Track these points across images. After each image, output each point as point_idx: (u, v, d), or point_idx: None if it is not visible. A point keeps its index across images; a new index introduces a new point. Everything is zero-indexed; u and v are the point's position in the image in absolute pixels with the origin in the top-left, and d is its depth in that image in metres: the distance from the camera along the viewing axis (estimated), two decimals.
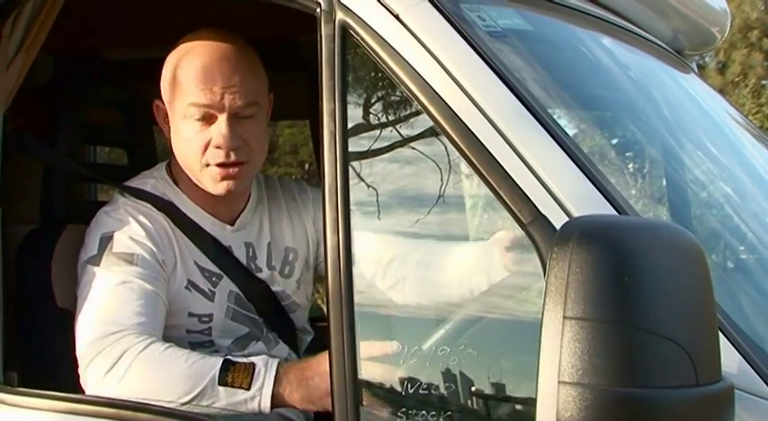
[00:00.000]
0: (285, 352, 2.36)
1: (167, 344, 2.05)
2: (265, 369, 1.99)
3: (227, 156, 2.16)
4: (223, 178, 2.19)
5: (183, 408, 1.99)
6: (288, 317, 2.40)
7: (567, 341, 1.30)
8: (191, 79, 2.16)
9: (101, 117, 2.89)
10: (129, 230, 2.18)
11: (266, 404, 1.97)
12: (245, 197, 2.38)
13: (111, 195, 2.39)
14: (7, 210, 2.24)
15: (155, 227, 2.21)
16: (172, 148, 2.28)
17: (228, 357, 2.04)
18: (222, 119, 2.15)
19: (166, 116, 2.27)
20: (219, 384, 1.97)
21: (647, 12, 2.54)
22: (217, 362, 2.01)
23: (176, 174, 2.32)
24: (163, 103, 2.27)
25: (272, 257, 2.40)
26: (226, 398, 1.97)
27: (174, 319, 2.20)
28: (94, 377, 2.02)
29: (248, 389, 1.97)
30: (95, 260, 2.16)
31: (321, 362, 1.94)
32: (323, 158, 1.73)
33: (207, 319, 2.25)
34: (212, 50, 2.18)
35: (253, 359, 2.03)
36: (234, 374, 1.98)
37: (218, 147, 2.16)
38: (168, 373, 2.00)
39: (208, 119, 2.16)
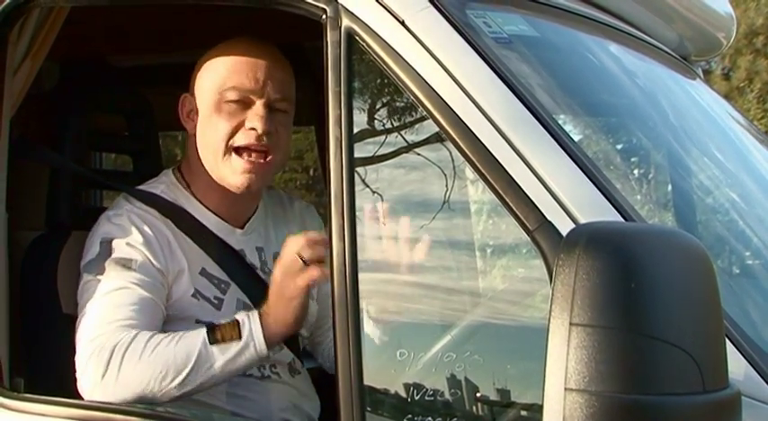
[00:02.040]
0: (289, 357, 2.36)
1: (152, 333, 2.07)
2: (248, 317, 2.05)
3: (259, 138, 2.22)
4: (246, 170, 2.23)
5: (187, 387, 2.00)
6: None
7: (573, 348, 1.30)
8: (236, 65, 2.25)
9: (106, 123, 2.89)
10: (128, 236, 2.19)
11: (262, 347, 2.02)
12: (254, 202, 2.40)
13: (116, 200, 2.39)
14: (13, 217, 2.24)
15: (156, 235, 2.21)
16: (192, 145, 2.30)
17: (210, 322, 2.09)
18: (260, 103, 2.23)
19: (191, 111, 2.30)
20: (211, 344, 2.01)
21: (652, 17, 2.54)
22: (201, 328, 2.05)
23: (188, 177, 2.34)
24: (192, 95, 2.31)
25: None
26: (221, 355, 2.01)
27: (182, 326, 2.20)
28: (91, 379, 2.03)
29: (240, 338, 2.02)
30: (94, 265, 2.17)
31: (276, 274, 2.06)
32: (328, 164, 1.73)
33: None
34: (257, 45, 2.28)
35: (235, 316, 2.08)
36: (222, 331, 2.03)
37: (252, 129, 2.22)
38: (161, 355, 2.02)
39: (245, 104, 2.23)
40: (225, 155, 2.23)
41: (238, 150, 2.23)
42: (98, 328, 2.07)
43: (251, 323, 2.03)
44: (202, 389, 2.04)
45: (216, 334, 2.03)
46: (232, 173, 2.23)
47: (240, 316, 2.06)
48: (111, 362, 2.01)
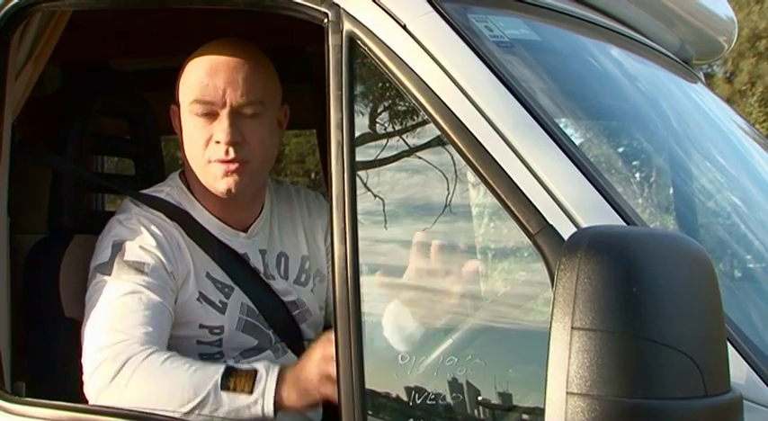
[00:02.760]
0: (293, 361, 2.36)
1: (170, 353, 2.06)
2: (267, 373, 2.00)
3: (227, 152, 2.19)
4: (225, 175, 2.21)
5: (189, 418, 1.99)
6: (297, 327, 2.40)
7: (575, 352, 1.30)
8: (197, 76, 2.21)
9: (109, 127, 2.90)
10: (140, 239, 2.19)
11: (269, 408, 1.98)
12: (258, 205, 2.39)
13: (120, 203, 2.39)
14: (16, 220, 2.24)
15: (166, 237, 2.22)
16: (184, 153, 2.30)
17: (230, 364, 2.05)
18: (224, 114, 2.19)
19: (179, 121, 2.30)
20: (222, 389, 1.98)
21: (654, 21, 2.54)
22: (219, 368, 2.02)
23: (190, 181, 2.33)
24: (178, 106, 2.30)
25: (286, 266, 2.40)
26: (228, 403, 1.98)
27: (185, 330, 2.21)
28: (98, 385, 2.02)
29: (251, 393, 1.98)
30: (105, 267, 2.16)
31: (311, 355, 1.99)
32: (330, 168, 1.73)
33: (218, 331, 2.25)
34: (222, 51, 2.23)
35: (255, 364, 2.04)
36: (236, 379, 2.00)
37: (218, 143, 2.20)
38: (171, 381, 2.01)
39: (211, 115, 2.20)
40: (204, 164, 2.23)
41: (213, 161, 2.22)
42: (112, 334, 2.06)
43: (266, 383, 1.99)
44: None
45: (229, 381, 1.99)
46: (214, 180, 2.23)
47: (261, 368, 2.02)
48: (121, 373, 2.00)
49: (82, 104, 2.73)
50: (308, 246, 2.45)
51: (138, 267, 2.15)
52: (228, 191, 2.22)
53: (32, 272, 2.40)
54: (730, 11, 2.92)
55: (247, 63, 2.22)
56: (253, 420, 2.00)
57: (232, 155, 2.19)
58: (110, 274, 2.15)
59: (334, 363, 1.83)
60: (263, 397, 1.98)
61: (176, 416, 1.98)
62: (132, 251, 2.17)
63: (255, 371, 2.01)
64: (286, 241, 2.42)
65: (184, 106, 2.25)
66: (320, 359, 1.97)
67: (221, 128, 2.18)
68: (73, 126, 2.66)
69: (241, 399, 1.98)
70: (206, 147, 2.21)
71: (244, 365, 2.05)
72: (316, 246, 2.47)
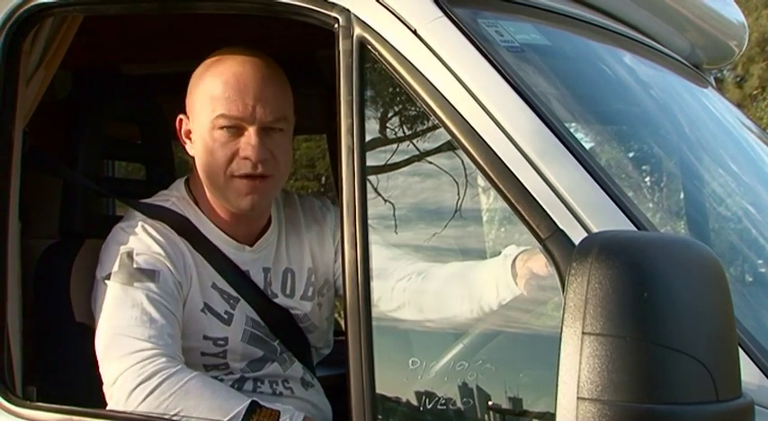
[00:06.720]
0: (300, 371, 2.35)
1: (196, 373, 2.05)
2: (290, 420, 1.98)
3: (255, 167, 2.16)
4: (248, 192, 2.18)
5: None
6: (305, 337, 2.38)
7: (586, 357, 1.29)
8: (223, 90, 2.16)
9: (120, 132, 2.90)
10: (148, 248, 2.17)
11: None
12: (265, 218, 2.35)
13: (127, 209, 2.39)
14: (27, 225, 2.25)
15: (171, 247, 2.19)
16: (195, 165, 2.28)
17: (256, 400, 2.02)
18: (252, 130, 2.15)
19: (189, 131, 2.26)
20: None
21: (664, 26, 2.54)
22: (243, 401, 1.99)
23: (196, 193, 2.30)
24: (187, 116, 2.26)
25: (293, 283, 2.36)
26: None
27: (189, 341, 2.18)
28: (122, 392, 2.01)
29: None
30: (116, 276, 2.14)
31: None
32: (340, 173, 1.73)
33: (222, 342, 2.23)
34: (245, 64, 2.19)
35: (279, 407, 2.02)
36: (258, 419, 1.97)
37: (245, 158, 2.16)
38: (195, 402, 1.99)
39: (237, 130, 2.16)
40: (226, 179, 2.19)
41: (237, 176, 2.18)
42: (134, 342, 2.05)
43: None
44: None
45: (251, 418, 1.96)
46: (236, 196, 2.19)
47: (285, 415, 1.99)
48: (148, 382, 1.99)
49: (93, 109, 2.73)
50: (313, 257, 2.41)
51: (150, 275, 2.13)
52: (252, 207, 2.21)
53: (43, 276, 2.40)
54: (741, 15, 2.92)
55: (273, 78, 2.20)
56: None
57: (260, 170, 2.16)
58: (121, 282, 2.13)
59: None
60: None
61: None
62: (142, 259, 2.15)
63: (278, 415, 1.98)
64: (292, 255, 2.38)
65: (204, 119, 2.19)
66: None
67: (251, 145, 2.15)
68: (84, 131, 2.66)
69: None
70: (230, 163, 2.17)
71: (269, 405, 2.02)
72: (321, 257, 2.44)
